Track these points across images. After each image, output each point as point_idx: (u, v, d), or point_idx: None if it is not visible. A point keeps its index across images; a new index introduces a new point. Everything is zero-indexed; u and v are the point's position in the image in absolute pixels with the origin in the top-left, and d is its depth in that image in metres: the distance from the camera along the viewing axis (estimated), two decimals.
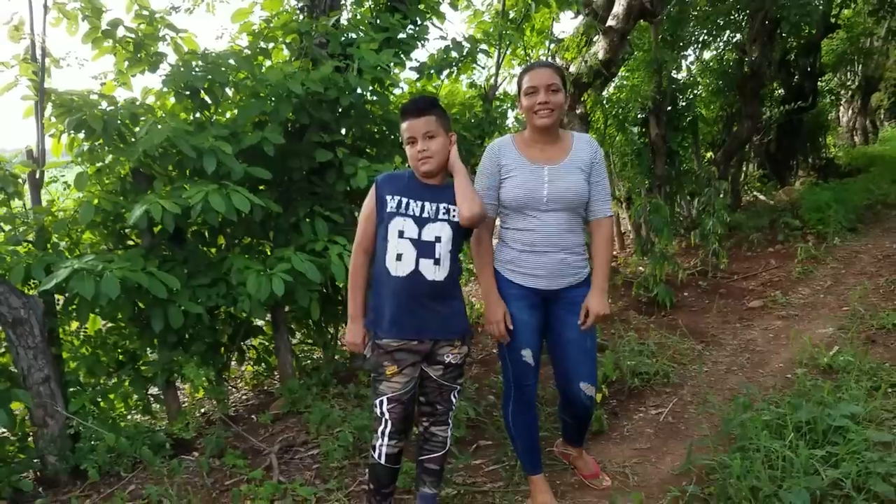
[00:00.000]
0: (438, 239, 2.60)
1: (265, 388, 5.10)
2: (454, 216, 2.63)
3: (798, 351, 4.82)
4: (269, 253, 4.21)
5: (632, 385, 4.38)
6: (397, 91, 5.15)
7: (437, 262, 2.60)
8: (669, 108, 9.10)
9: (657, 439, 3.78)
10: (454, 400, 2.80)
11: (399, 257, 2.58)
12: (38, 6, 3.78)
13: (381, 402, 2.65)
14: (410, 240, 2.59)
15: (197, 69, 3.87)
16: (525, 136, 2.90)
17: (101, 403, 3.81)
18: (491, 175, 2.85)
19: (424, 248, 2.59)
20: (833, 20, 12.14)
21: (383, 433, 2.66)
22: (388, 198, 2.62)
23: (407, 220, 2.60)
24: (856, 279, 6.83)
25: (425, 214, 2.61)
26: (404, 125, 2.61)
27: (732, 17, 10.05)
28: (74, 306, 3.66)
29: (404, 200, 2.61)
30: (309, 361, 5.28)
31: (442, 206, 2.62)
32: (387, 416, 2.64)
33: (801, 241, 8.39)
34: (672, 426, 3.92)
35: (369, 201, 2.70)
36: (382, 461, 2.69)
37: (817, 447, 3.08)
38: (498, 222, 3.04)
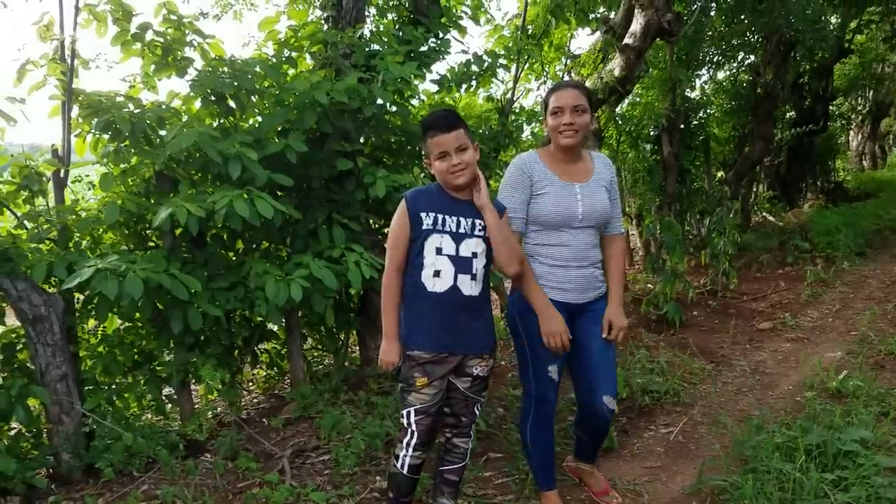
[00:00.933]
0: (475, 255, 2.63)
1: (276, 391, 5.13)
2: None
3: (807, 374, 4.85)
4: (286, 258, 4.25)
5: (642, 403, 4.40)
6: (415, 102, 5.20)
7: (473, 277, 2.63)
8: (682, 126, 9.14)
9: (668, 458, 3.79)
10: (477, 412, 2.83)
11: (437, 273, 2.59)
12: (68, 7, 3.83)
13: (409, 413, 2.66)
14: (449, 256, 2.60)
15: (224, 75, 3.91)
16: (550, 153, 2.93)
17: (117, 402, 3.83)
18: (523, 189, 2.86)
19: (462, 264, 2.61)
20: (846, 45, 12.18)
21: (408, 444, 2.68)
22: (423, 215, 2.60)
23: (444, 236, 2.60)
24: (864, 304, 6.86)
25: (461, 230, 2.62)
26: (434, 140, 2.59)
27: (747, 39, 10.10)
28: (94, 305, 3.70)
29: (440, 217, 2.60)
30: (320, 367, 5.31)
31: (478, 221, 2.64)
32: (414, 427, 2.65)
33: (811, 263, 8.43)
34: (682, 445, 3.94)
35: (402, 220, 2.65)
36: (405, 471, 2.72)
37: (827, 471, 3.11)
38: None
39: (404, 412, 2.68)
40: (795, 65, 11.39)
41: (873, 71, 15.28)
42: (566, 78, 7.81)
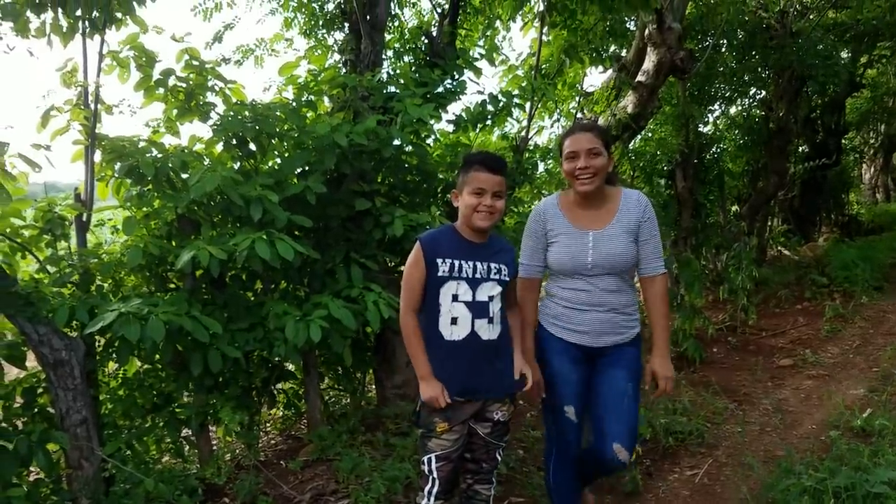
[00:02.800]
0: (491, 298, 2.62)
1: (293, 432, 5.09)
2: (504, 275, 2.65)
3: (831, 412, 4.78)
4: (304, 298, 4.25)
5: (666, 444, 4.34)
6: (430, 142, 5.24)
7: (490, 320, 2.61)
8: (696, 161, 9.15)
9: (693, 502, 3.73)
10: (499, 458, 2.79)
11: (454, 321, 2.58)
12: (92, 53, 3.90)
13: (430, 460, 2.62)
14: (465, 303, 2.58)
15: (246, 119, 3.96)
16: (570, 197, 2.91)
17: (136, 446, 3.81)
18: (538, 238, 2.89)
19: (479, 309, 2.59)
20: (858, 79, 12.22)
21: (430, 493, 2.63)
22: (440, 261, 2.58)
23: (461, 282, 2.58)
24: (885, 339, 6.79)
25: (477, 275, 2.60)
26: (476, 174, 2.56)
27: (758, 74, 10.14)
28: (115, 348, 3.70)
29: (456, 263, 2.58)
30: (337, 407, 5.27)
31: (493, 265, 2.63)
32: (435, 474, 2.61)
33: (829, 298, 8.36)
34: (708, 488, 3.87)
35: (417, 264, 2.61)
36: None
37: None
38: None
39: (425, 459, 2.64)
40: (807, 99, 11.42)
41: (885, 104, 15.28)
42: (579, 115, 7.87)
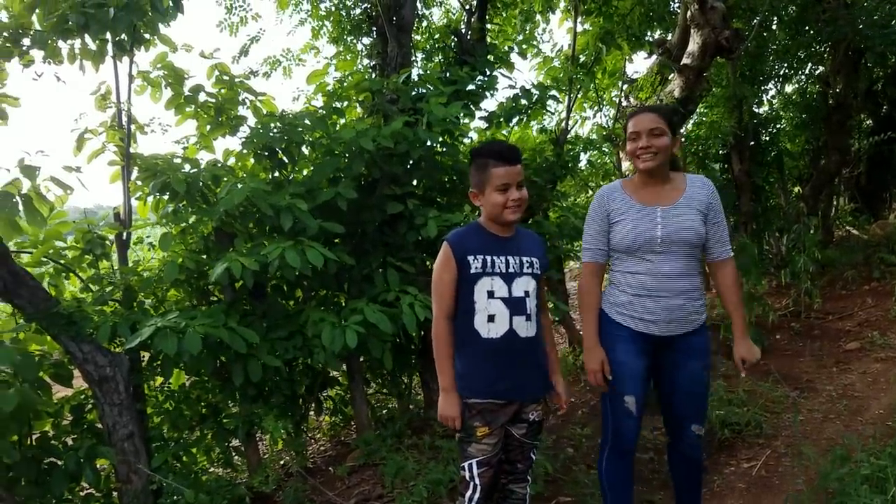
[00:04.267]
0: (527, 294, 2.55)
1: (342, 438, 5.12)
2: (537, 269, 2.59)
3: None
4: (343, 304, 4.26)
5: (722, 437, 4.18)
6: (466, 140, 5.19)
7: (528, 317, 2.54)
8: (752, 143, 8.84)
9: (750, 495, 3.58)
10: (534, 457, 2.73)
11: (491, 318, 2.50)
12: (123, 75, 4.01)
13: (472, 466, 2.56)
14: (502, 299, 2.51)
15: (275, 130, 4.00)
16: (635, 181, 2.85)
17: (184, 458, 3.89)
18: (600, 221, 2.82)
19: (516, 305, 2.53)
20: None
21: (471, 499, 2.57)
22: (471, 258, 2.51)
23: (495, 278, 2.51)
24: None
25: (511, 270, 2.53)
26: (497, 171, 2.49)
27: (813, 50, 9.74)
28: (159, 362, 3.78)
29: (488, 258, 2.51)
30: (385, 411, 5.28)
31: (524, 259, 2.57)
32: (477, 480, 2.55)
33: None
34: (766, 480, 3.72)
35: (447, 265, 2.54)
36: None
37: None
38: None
39: (466, 465, 2.58)
40: (867, 72, 10.89)
41: None
42: (624, 103, 7.69)
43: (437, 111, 4.10)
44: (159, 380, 4.09)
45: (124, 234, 3.89)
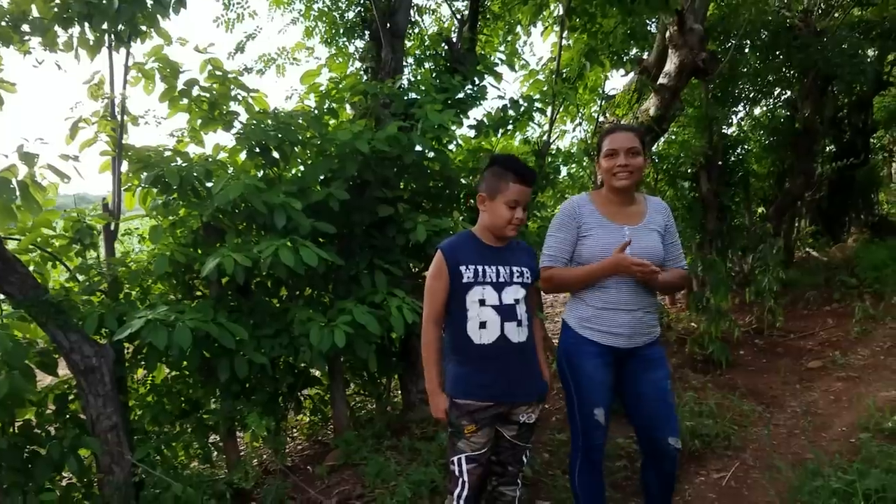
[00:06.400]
0: (517, 301, 2.62)
1: (320, 438, 5.13)
2: (527, 278, 2.66)
3: (861, 414, 4.70)
4: (329, 304, 4.29)
5: (692, 447, 4.30)
6: (452, 147, 5.26)
7: (519, 323, 2.62)
8: (721, 163, 9.08)
9: None
10: (525, 460, 2.79)
11: (483, 325, 2.58)
12: (118, 66, 3.99)
13: (461, 461, 2.61)
14: (493, 307, 2.58)
15: (268, 128, 4.01)
16: (602, 196, 2.95)
17: (165, 451, 3.87)
18: (569, 230, 2.89)
19: (507, 312, 2.60)
20: (885, 77, 12.04)
21: (459, 496, 2.62)
22: (463, 269, 2.59)
23: (486, 287, 2.59)
24: None
25: (502, 279, 2.61)
26: (517, 188, 2.57)
27: (783, 74, 10.04)
28: (143, 355, 3.77)
29: (480, 269, 2.59)
30: (363, 412, 5.30)
31: (515, 269, 2.64)
32: (465, 477, 2.60)
33: (858, 299, 8.21)
34: (736, 491, 3.84)
35: (440, 273, 2.62)
36: None
37: None
38: None
39: (455, 459, 2.63)
40: (833, 99, 11.26)
41: None
42: (601, 119, 7.85)
43: (432, 117, 4.16)
44: (140, 372, 4.07)
45: (112, 224, 3.86)
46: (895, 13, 9.50)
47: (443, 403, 2.64)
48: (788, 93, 10.64)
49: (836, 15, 9.68)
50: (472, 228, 2.75)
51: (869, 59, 9.62)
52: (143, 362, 3.84)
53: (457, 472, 2.63)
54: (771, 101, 10.89)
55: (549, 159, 5.91)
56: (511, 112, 5.16)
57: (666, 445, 2.87)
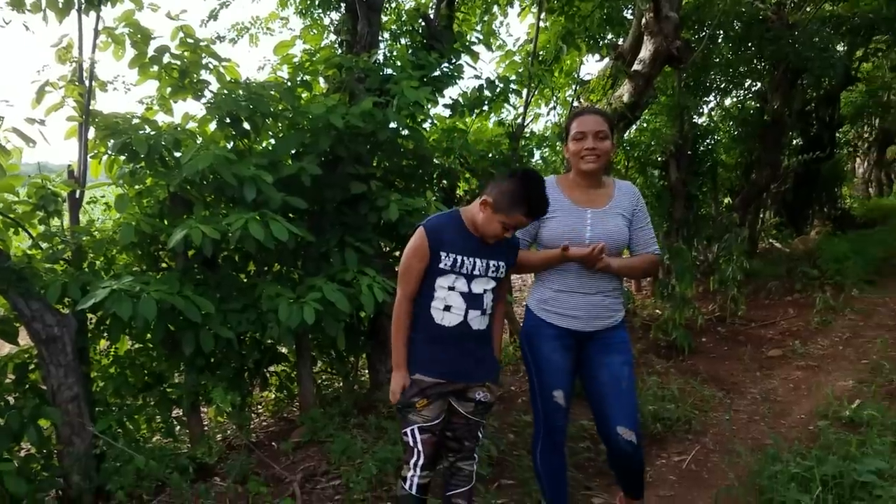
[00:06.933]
0: (486, 291, 2.61)
1: (285, 415, 5.10)
2: (501, 272, 2.64)
3: (820, 402, 4.81)
4: (298, 281, 4.24)
5: (654, 430, 4.36)
6: (427, 126, 5.22)
7: (483, 312, 2.61)
8: (690, 152, 9.16)
9: (681, 487, 3.76)
10: (480, 435, 2.80)
11: (448, 308, 2.57)
12: (88, 30, 3.87)
13: (413, 432, 2.63)
14: (461, 293, 2.57)
15: (240, 98, 3.94)
16: (569, 179, 2.94)
17: (127, 424, 3.82)
18: None
19: (474, 300, 2.59)
20: (853, 73, 12.24)
21: (415, 465, 2.64)
22: (444, 255, 2.55)
23: (459, 277, 2.57)
24: (875, 332, 6.82)
25: (476, 272, 2.58)
26: (521, 219, 2.52)
27: (754, 66, 10.14)
28: (107, 326, 3.70)
29: (459, 259, 2.56)
30: (330, 390, 5.28)
31: (492, 262, 2.61)
32: (419, 446, 2.62)
33: (819, 291, 8.39)
34: (696, 474, 3.90)
35: (421, 252, 2.57)
36: (414, 492, 2.67)
37: (844, 502, 3.07)
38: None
39: (408, 430, 2.65)
40: (802, 92, 11.44)
41: (880, 99, 15.32)
42: (576, 104, 7.85)
43: (408, 94, 4.11)
44: (103, 343, 4.00)
45: (78, 192, 3.77)
46: (865, 9, 9.64)
47: (404, 380, 2.63)
48: (759, 84, 10.76)
49: (808, 9, 9.80)
50: (461, 210, 2.68)
51: (838, 55, 9.76)
52: (106, 333, 3.78)
53: (411, 443, 2.64)
54: (741, 92, 11.01)
55: (523, 142, 5.91)
56: (487, 92, 5.14)
57: (616, 436, 2.83)
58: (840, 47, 10.56)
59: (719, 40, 9.34)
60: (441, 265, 2.56)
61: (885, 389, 4.99)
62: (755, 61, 9.99)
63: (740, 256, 7.79)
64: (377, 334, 4.79)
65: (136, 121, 3.85)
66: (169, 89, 4.16)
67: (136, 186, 3.99)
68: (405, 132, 4.59)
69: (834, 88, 12.10)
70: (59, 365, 3.44)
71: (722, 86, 10.44)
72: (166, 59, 4.07)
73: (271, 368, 4.87)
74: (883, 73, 14.32)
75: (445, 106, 5.12)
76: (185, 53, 4.14)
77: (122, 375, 3.96)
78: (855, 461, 3.35)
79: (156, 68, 4.07)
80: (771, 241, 12.23)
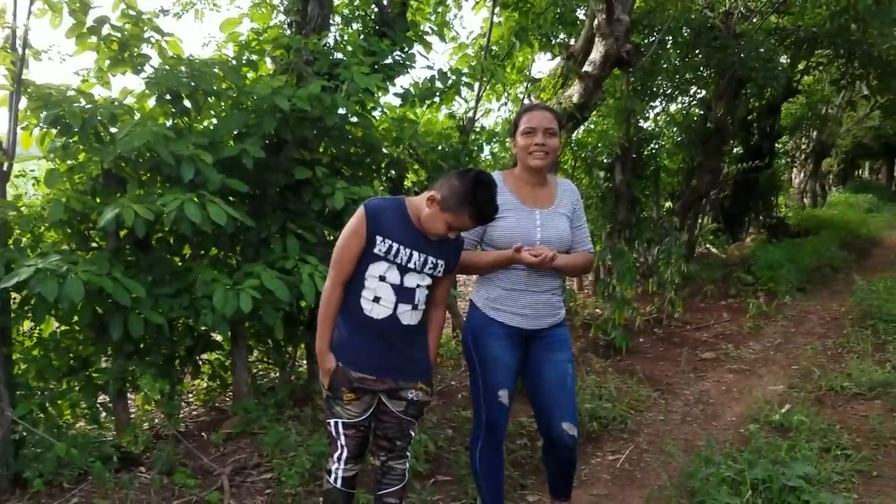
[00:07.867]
0: (419, 286, 2.52)
1: (217, 404, 4.96)
2: (438, 271, 2.55)
3: (750, 406, 4.91)
4: (235, 266, 4.12)
5: (590, 429, 4.38)
6: (377, 114, 5.13)
7: (415, 307, 2.53)
8: (635, 155, 9.29)
9: (614, 486, 3.78)
10: (412, 434, 2.73)
11: (377, 300, 2.48)
12: None
13: (337, 425, 2.58)
14: (392, 285, 2.48)
15: (182, 74, 3.79)
16: (515, 175, 2.91)
17: (49, 409, 3.65)
18: None
19: (405, 294, 2.50)
20: (795, 85, 12.60)
21: (339, 458, 2.60)
22: (380, 239, 2.45)
23: (392, 266, 2.47)
24: (805, 339, 7.03)
25: (411, 265, 2.48)
26: (468, 222, 2.43)
27: (700, 73, 10.35)
28: (31, 306, 3.52)
29: (395, 247, 2.46)
30: (265, 381, 5.16)
31: (430, 259, 2.51)
32: (342, 440, 2.58)
33: (753, 296, 8.61)
34: (629, 473, 3.94)
35: (358, 233, 2.46)
36: (339, 485, 2.62)
37: None
38: None
39: (332, 422, 2.59)
40: (745, 101, 11.72)
41: (818, 111, 15.84)
42: (526, 101, 7.86)
43: (358, 79, 4.03)
44: (27, 324, 3.81)
45: (5, 165, 3.57)
46: (809, 23, 9.92)
47: (331, 363, 2.55)
48: (704, 92, 10.98)
49: (755, 20, 10.02)
50: (407, 200, 2.57)
51: (781, 66, 10.03)
52: (30, 314, 3.59)
53: (334, 434, 2.60)
54: (687, 98, 11.23)
55: (473, 136, 5.87)
56: (438, 84, 5.09)
57: (560, 431, 2.85)
58: (783, 59, 10.87)
59: (668, 46, 9.49)
60: (375, 250, 2.45)
61: (814, 395, 5.13)
62: (701, 69, 10.20)
63: (679, 260, 7.94)
64: (316, 324, 4.69)
65: (71, 93, 3.67)
66: (107, 62, 3.98)
67: (68, 161, 3.80)
68: (354, 119, 4.48)
69: (776, 99, 12.45)
70: None
71: (668, 91, 10.63)
72: (106, 30, 3.88)
73: (204, 356, 4.72)
74: (823, 87, 14.82)
75: (396, 95, 5.05)
76: (127, 25, 3.96)
77: (46, 358, 3.78)
78: (784, 466, 3.43)
79: (94, 39, 3.88)
80: (708, 246, 12.50)
